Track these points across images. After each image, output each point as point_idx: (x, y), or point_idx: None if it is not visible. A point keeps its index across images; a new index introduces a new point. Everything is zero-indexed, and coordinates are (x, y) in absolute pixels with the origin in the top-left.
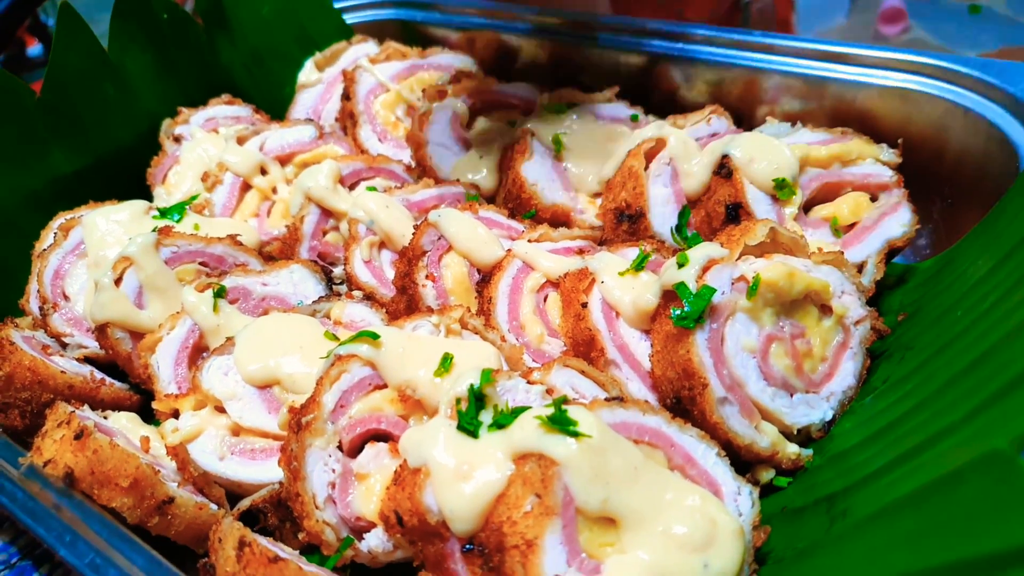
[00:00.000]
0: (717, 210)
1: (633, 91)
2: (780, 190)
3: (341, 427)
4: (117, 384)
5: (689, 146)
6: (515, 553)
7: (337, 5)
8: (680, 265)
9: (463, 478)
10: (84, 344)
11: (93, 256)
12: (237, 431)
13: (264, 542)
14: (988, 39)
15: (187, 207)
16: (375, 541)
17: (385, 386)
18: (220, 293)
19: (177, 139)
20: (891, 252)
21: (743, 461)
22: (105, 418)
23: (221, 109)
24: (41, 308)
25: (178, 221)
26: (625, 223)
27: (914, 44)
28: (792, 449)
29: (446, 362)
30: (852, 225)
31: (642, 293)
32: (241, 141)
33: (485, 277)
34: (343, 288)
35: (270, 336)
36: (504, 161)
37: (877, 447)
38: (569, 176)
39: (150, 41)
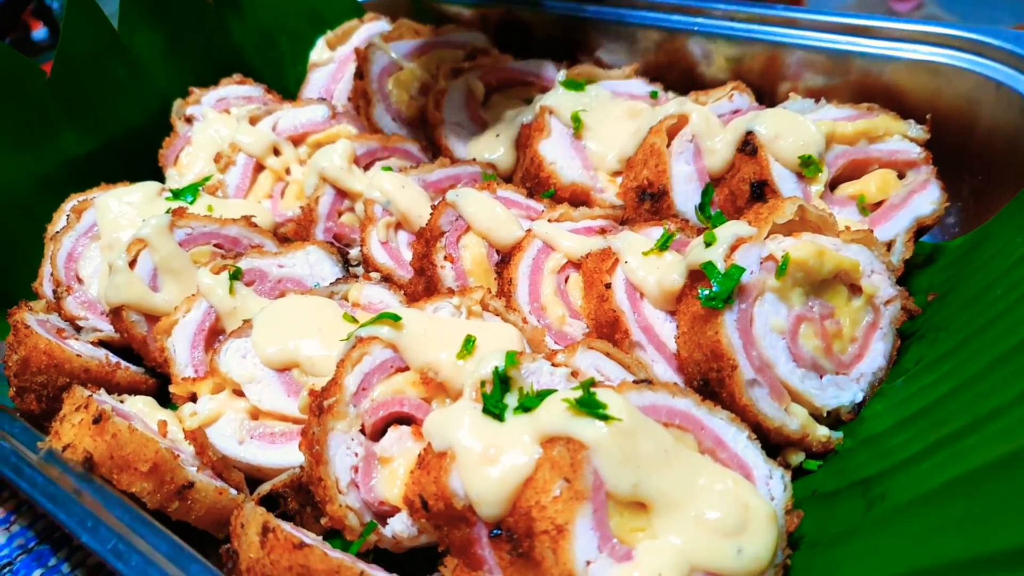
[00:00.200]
0: (742, 188)
1: (651, 68)
2: (806, 167)
3: (363, 410)
4: (132, 368)
5: (712, 123)
6: (545, 538)
7: None
8: (707, 244)
9: (490, 462)
10: (98, 327)
11: (106, 238)
12: (256, 415)
13: (288, 528)
14: (1003, 15)
15: (200, 188)
16: (399, 526)
17: (407, 368)
18: (236, 275)
19: (189, 120)
20: (920, 230)
21: (772, 444)
22: (122, 402)
23: (233, 89)
24: (55, 291)
25: (191, 202)
26: (647, 202)
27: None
28: (822, 432)
29: (468, 344)
30: (879, 203)
31: (667, 273)
32: (253, 121)
33: (504, 258)
34: (359, 270)
35: (288, 318)
36: (521, 140)
37: (913, 430)
38: (588, 154)
39: (160, 20)
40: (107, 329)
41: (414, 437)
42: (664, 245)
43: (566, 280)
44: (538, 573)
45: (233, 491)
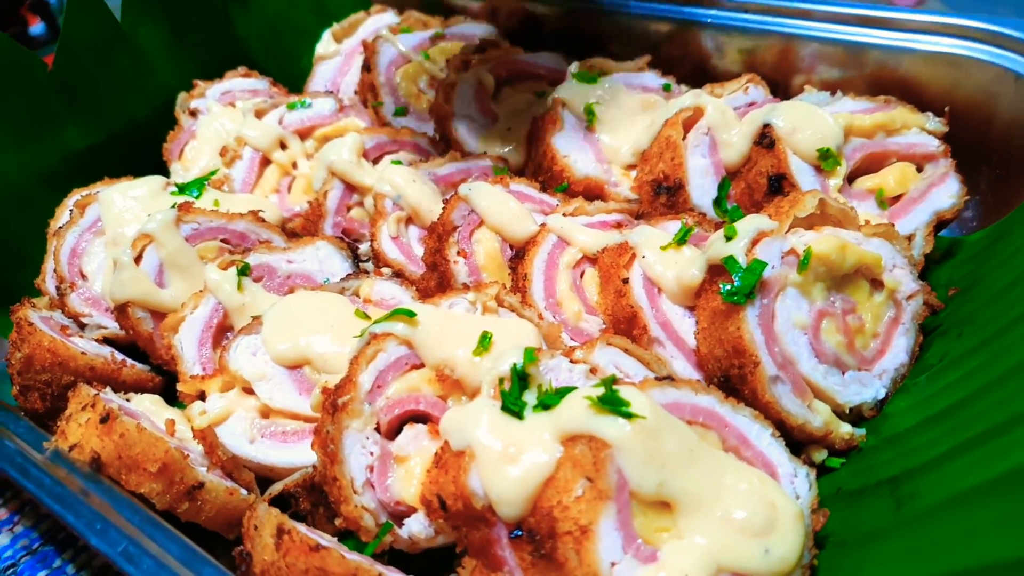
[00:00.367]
0: (759, 181)
1: (662, 60)
2: (824, 160)
3: (378, 408)
4: (138, 365)
5: (728, 116)
6: (568, 539)
7: None
8: (728, 238)
9: (510, 461)
10: (103, 324)
11: (111, 234)
12: (267, 413)
13: (304, 529)
14: (1006, 11)
15: (206, 183)
16: (417, 526)
17: (422, 365)
18: (244, 271)
19: (193, 113)
20: (939, 224)
21: (795, 441)
22: (128, 400)
23: (238, 82)
24: (58, 288)
25: (197, 197)
26: (663, 195)
27: None
28: (845, 429)
29: (485, 341)
30: (897, 197)
31: (686, 268)
32: (259, 115)
33: (519, 253)
34: (369, 265)
35: (299, 315)
36: (533, 133)
37: (942, 428)
38: (602, 147)
39: (164, 12)
40: (112, 326)
41: (430, 435)
42: (682, 239)
43: (581, 275)
44: (561, 575)
45: (243, 491)
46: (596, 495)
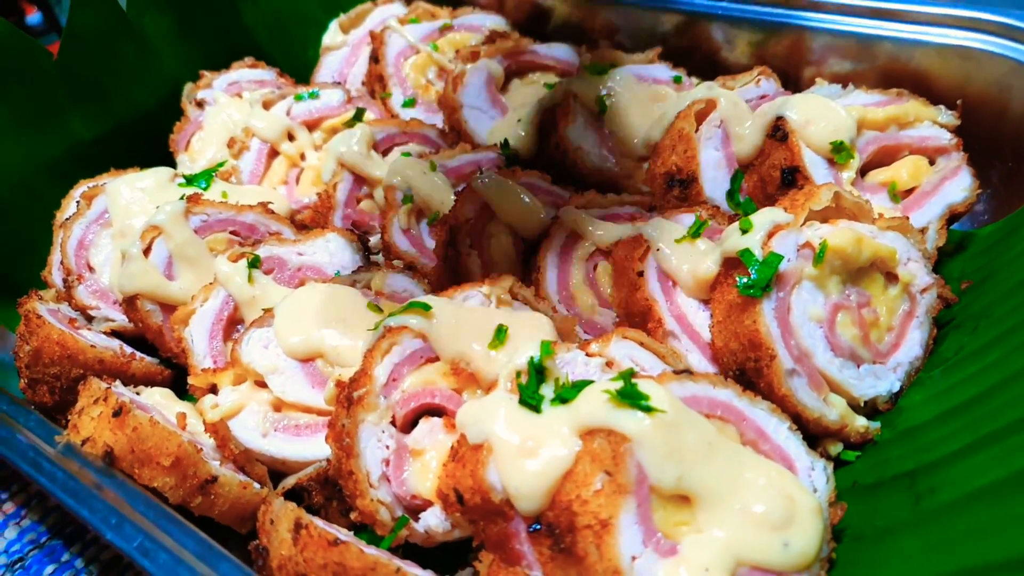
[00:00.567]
0: (772, 174)
1: (671, 52)
2: (837, 153)
3: (394, 401)
4: (148, 358)
5: (741, 108)
6: (588, 533)
7: None
8: (743, 231)
9: (528, 455)
10: (111, 317)
11: (118, 225)
12: (279, 406)
13: (322, 524)
14: (1019, 3)
15: (214, 174)
16: (433, 520)
17: (437, 359)
18: (255, 263)
19: (200, 104)
20: (951, 218)
21: (810, 434)
22: (138, 394)
23: (245, 73)
24: (65, 280)
25: (205, 189)
26: (676, 188)
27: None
28: (860, 422)
29: (500, 334)
30: (910, 190)
31: (701, 261)
32: (267, 105)
33: (531, 246)
34: (379, 257)
35: (311, 307)
36: (544, 125)
37: (960, 422)
38: (614, 140)
39: (170, 2)
40: (119, 319)
41: (446, 429)
42: (697, 232)
43: (595, 268)
44: (581, 569)
45: (257, 485)
46: (616, 489)
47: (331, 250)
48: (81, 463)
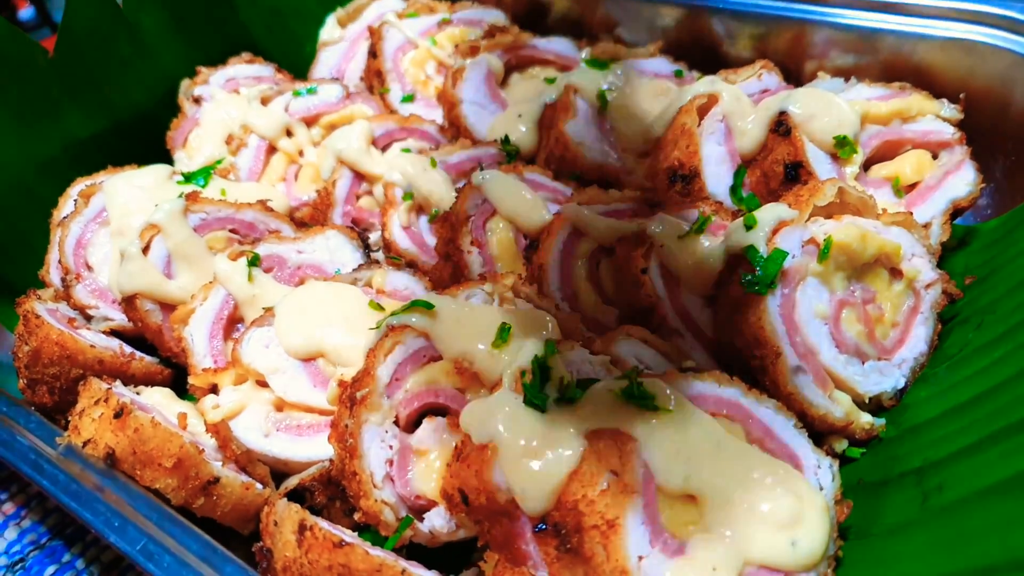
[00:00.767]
0: (775, 169)
1: (671, 46)
2: (841, 148)
3: (397, 401)
4: (147, 358)
5: (743, 103)
6: (595, 533)
7: None
8: (748, 227)
9: (534, 455)
10: (110, 316)
11: (117, 224)
12: (281, 406)
13: (326, 525)
14: None
15: (212, 171)
16: (438, 520)
17: (440, 358)
18: (254, 261)
19: (197, 100)
20: (955, 212)
21: (815, 432)
22: (138, 394)
23: (242, 68)
24: (63, 279)
25: (204, 186)
26: (678, 183)
27: None
28: (866, 419)
29: (504, 333)
30: (913, 185)
31: (705, 258)
32: (265, 102)
33: (533, 243)
34: (379, 254)
35: (312, 306)
36: (544, 120)
37: (967, 419)
38: (615, 135)
39: None
40: (118, 318)
41: (450, 429)
42: (700, 229)
43: (597, 265)
44: (587, 569)
45: (259, 486)
46: (622, 489)
47: (331, 248)
48: (83, 465)
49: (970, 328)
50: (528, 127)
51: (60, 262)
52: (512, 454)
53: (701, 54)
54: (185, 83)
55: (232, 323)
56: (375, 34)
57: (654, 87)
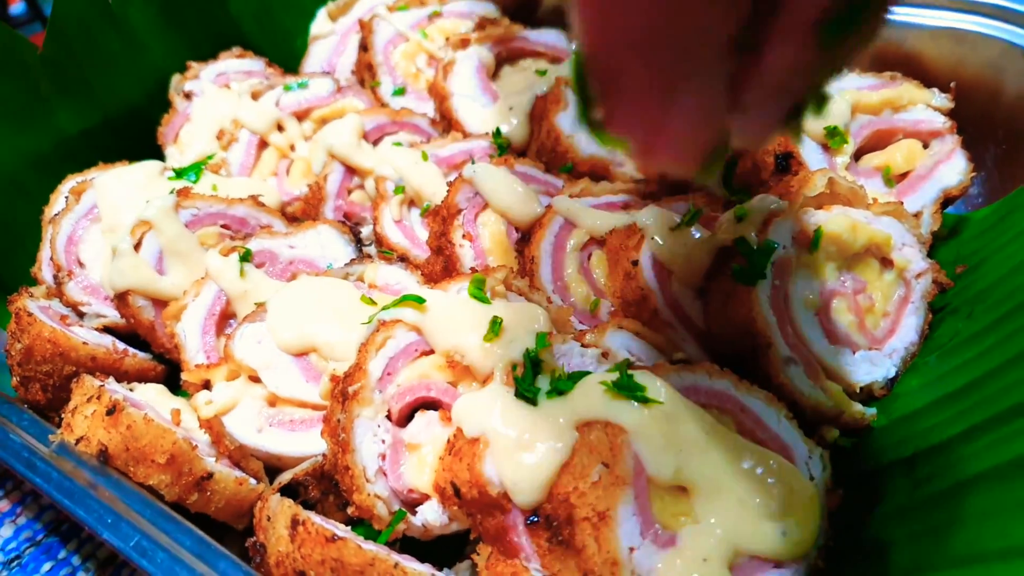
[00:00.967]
0: (766, 160)
1: None
2: (832, 138)
3: (389, 396)
4: (140, 354)
5: None
6: (586, 525)
7: None
8: (738, 219)
9: (525, 447)
10: (102, 313)
11: (108, 220)
12: (274, 401)
13: (319, 520)
14: None
15: (203, 167)
16: (430, 514)
17: (431, 352)
18: (246, 257)
19: (188, 95)
20: (946, 201)
21: (807, 422)
22: (131, 391)
23: (232, 63)
24: (55, 276)
25: (195, 182)
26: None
27: None
28: (857, 409)
29: (495, 326)
30: (904, 175)
31: (697, 249)
32: (255, 96)
33: (525, 236)
34: (371, 249)
35: (304, 301)
36: (536, 112)
37: (957, 408)
38: None
39: None
40: (111, 315)
41: (442, 423)
42: (691, 220)
43: (589, 258)
44: (579, 561)
45: (253, 481)
46: (613, 481)
47: (323, 242)
48: (75, 462)
49: (961, 317)
50: (519, 119)
51: (52, 259)
52: (503, 447)
53: None
54: (176, 78)
55: (224, 319)
56: (365, 27)
57: None
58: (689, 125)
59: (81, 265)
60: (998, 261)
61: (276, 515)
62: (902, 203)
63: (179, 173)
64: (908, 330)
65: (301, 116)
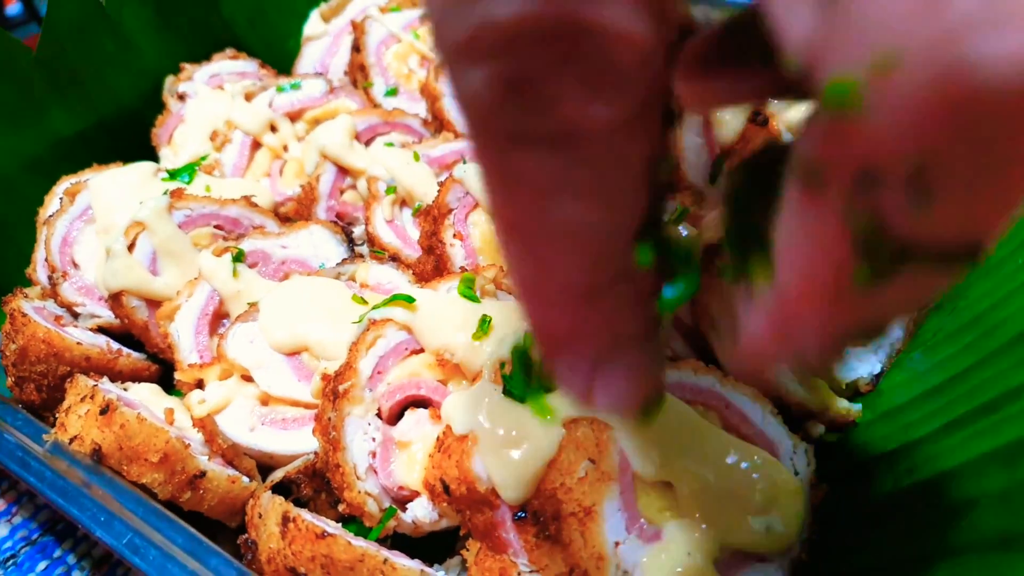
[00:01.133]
0: None
1: None
2: None
3: (379, 394)
4: (134, 354)
5: None
6: (573, 520)
7: None
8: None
9: (513, 444)
10: (97, 313)
11: (102, 222)
12: (266, 400)
13: (309, 517)
14: None
15: (197, 168)
16: (420, 511)
17: (422, 351)
18: (239, 257)
19: (181, 97)
20: None
21: (793, 417)
22: (125, 390)
23: (226, 64)
24: (50, 277)
25: (188, 183)
26: None
27: None
28: (842, 404)
29: (484, 324)
30: None
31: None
32: (249, 97)
33: None
34: (363, 248)
35: (296, 301)
36: None
37: (938, 402)
38: None
39: None
40: (106, 315)
41: (432, 420)
42: (678, 219)
43: None
44: (566, 555)
45: (245, 479)
46: (599, 476)
47: (315, 242)
48: (69, 461)
49: (944, 314)
50: None
51: (46, 260)
52: (491, 444)
53: None
54: (169, 80)
55: (217, 319)
56: (358, 29)
57: None
58: (617, 389)
59: (75, 266)
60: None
61: (267, 512)
62: None
63: (173, 174)
64: (894, 326)
65: (294, 117)
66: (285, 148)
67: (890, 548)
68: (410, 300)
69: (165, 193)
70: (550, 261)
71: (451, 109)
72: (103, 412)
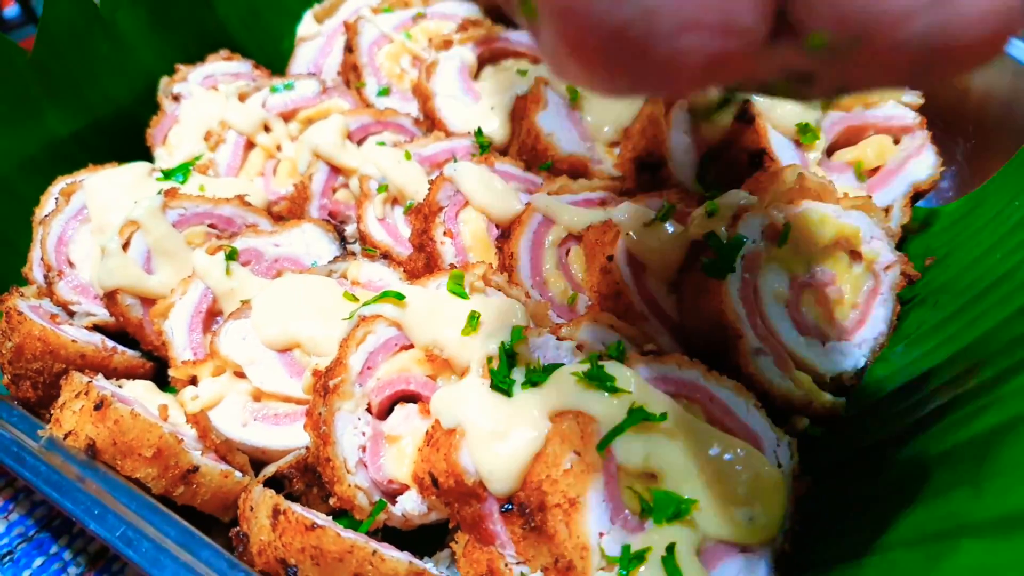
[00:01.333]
0: (739, 157)
1: None
2: (804, 135)
3: (369, 389)
4: (129, 352)
5: (709, 91)
6: (557, 512)
7: None
8: (709, 214)
9: (500, 438)
10: (92, 312)
11: (97, 221)
12: (258, 396)
13: (299, 509)
14: None
15: (191, 168)
16: (409, 504)
17: (411, 346)
18: (232, 255)
19: (176, 97)
20: (916, 195)
21: (777, 411)
22: (120, 387)
23: (220, 65)
24: (46, 276)
25: (183, 182)
26: (646, 172)
27: None
28: (827, 398)
29: (473, 320)
30: (875, 169)
31: (669, 244)
32: (242, 98)
33: (505, 232)
34: (355, 247)
35: (288, 298)
36: (516, 112)
37: (919, 395)
38: (585, 125)
39: None
40: (101, 313)
41: (421, 415)
42: (665, 216)
43: (567, 253)
44: (551, 546)
45: (238, 474)
46: (584, 468)
47: (307, 240)
48: (64, 456)
49: (927, 307)
50: (501, 119)
51: (42, 259)
52: (479, 437)
53: None
54: (164, 80)
55: (211, 316)
56: (351, 29)
57: None
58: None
59: (71, 265)
60: (963, 252)
61: (258, 505)
62: (871, 197)
63: (167, 174)
64: (877, 321)
65: (287, 117)
66: (278, 148)
67: (871, 538)
68: (400, 296)
69: (159, 193)
70: None
71: (442, 108)
72: (97, 408)
